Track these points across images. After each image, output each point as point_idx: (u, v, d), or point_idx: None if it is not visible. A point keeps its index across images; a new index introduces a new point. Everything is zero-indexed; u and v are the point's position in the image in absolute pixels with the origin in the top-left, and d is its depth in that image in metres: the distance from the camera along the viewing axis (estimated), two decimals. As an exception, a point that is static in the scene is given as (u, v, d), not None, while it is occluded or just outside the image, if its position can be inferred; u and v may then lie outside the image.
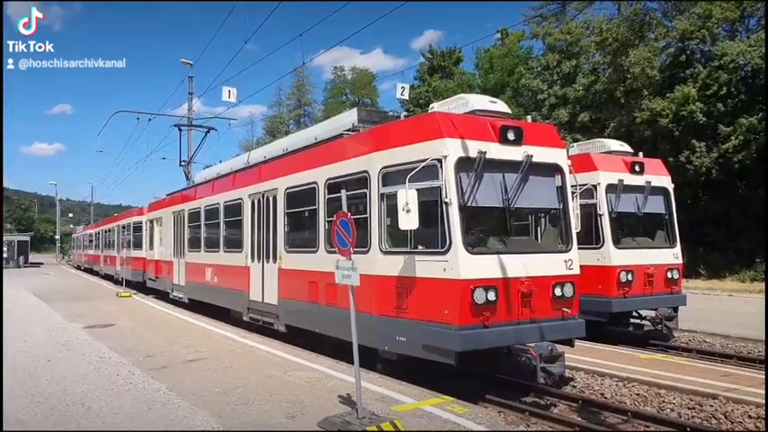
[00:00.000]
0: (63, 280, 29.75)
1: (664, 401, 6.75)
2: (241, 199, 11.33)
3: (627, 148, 11.27)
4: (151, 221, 19.83)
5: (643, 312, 10.63)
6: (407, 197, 5.99)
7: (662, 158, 12.86)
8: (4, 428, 4.89)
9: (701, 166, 22.31)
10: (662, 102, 23.37)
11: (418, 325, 6.42)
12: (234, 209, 11.73)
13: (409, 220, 6.02)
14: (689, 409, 6.49)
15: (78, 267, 44.44)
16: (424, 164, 6.30)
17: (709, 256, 22.96)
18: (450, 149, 6.30)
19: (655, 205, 10.49)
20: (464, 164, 6.37)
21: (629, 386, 7.30)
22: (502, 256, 6.42)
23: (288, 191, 9.42)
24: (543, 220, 7.64)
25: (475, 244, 6.43)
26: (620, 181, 9.96)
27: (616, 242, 9.86)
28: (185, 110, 22.86)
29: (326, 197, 8.21)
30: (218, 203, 12.66)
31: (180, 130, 20.71)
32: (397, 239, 6.86)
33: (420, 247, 6.61)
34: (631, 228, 10.68)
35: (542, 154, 6.89)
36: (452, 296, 6.12)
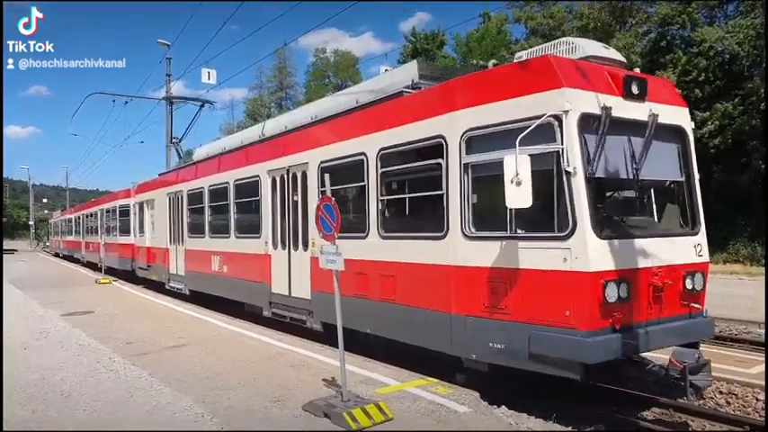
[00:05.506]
0: (39, 267, 29.06)
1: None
2: (258, 176, 9.85)
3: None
4: (140, 204, 17.91)
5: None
6: (518, 165, 4.68)
7: None
8: (5, 429, 4.77)
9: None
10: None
11: (525, 329, 5.13)
12: (248, 188, 10.24)
13: (521, 196, 4.72)
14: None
15: (57, 255, 43.48)
16: (538, 122, 4.92)
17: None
18: (573, 103, 4.93)
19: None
20: (588, 122, 5.02)
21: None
22: (634, 241, 5.26)
23: (323, 165, 7.99)
24: (667, 194, 6.27)
25: (604, 226, 5.13)
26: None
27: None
28: (163, 93, 22.17)
29: (379, 171, 6.86)
30: (227, 182, 11.16)
31: (171, 104, 19.11)
32: (486, 221, 5.59)
33: (521, 230, 5.28)
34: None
35: (666, 113, 5.62)
36: (578, 293, 4.88)
